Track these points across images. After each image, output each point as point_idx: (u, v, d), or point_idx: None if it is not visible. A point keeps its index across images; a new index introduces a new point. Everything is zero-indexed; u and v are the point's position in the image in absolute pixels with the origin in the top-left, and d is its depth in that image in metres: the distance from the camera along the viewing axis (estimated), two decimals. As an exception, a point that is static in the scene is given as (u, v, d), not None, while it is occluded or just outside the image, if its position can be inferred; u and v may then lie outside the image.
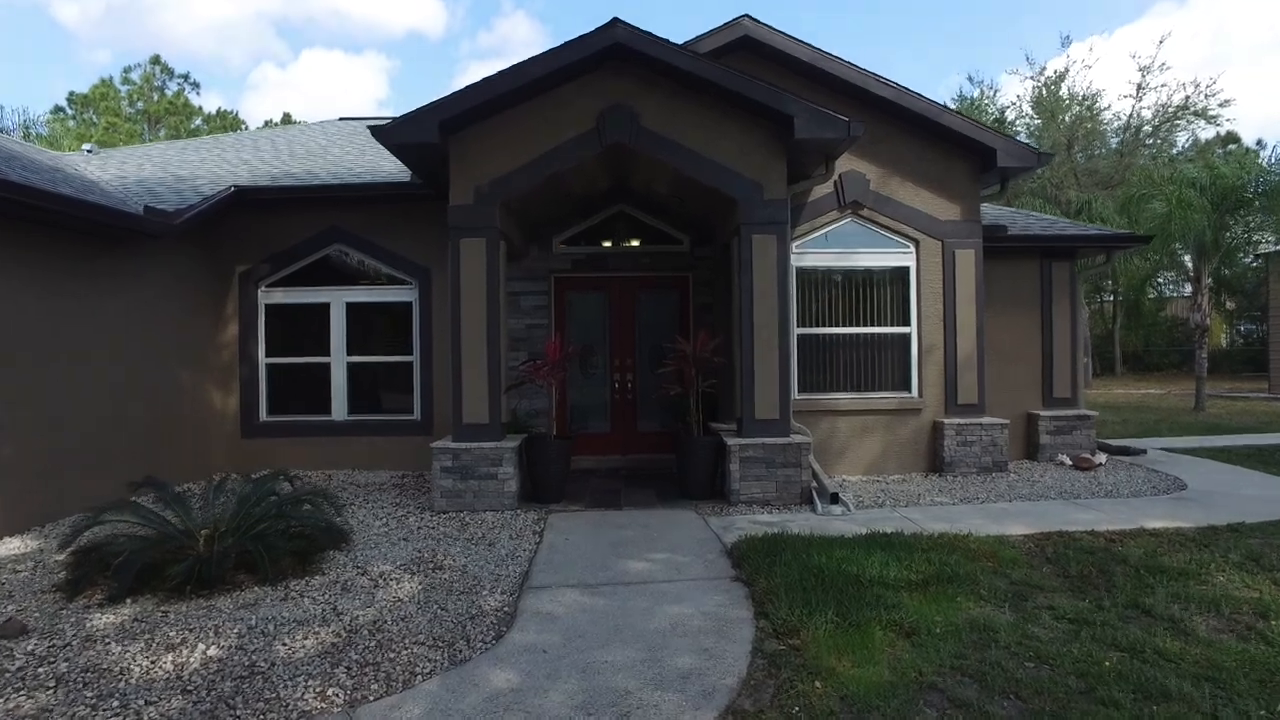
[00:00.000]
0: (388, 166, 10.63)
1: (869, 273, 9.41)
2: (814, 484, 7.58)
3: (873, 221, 9.27)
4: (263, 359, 10.07)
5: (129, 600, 4.85)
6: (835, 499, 7.24)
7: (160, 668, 3.92)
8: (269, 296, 10.09)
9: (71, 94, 43.12)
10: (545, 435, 7.95)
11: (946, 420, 9.02)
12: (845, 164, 9.03)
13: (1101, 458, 9.52)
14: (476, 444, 7.45)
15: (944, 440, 8.96)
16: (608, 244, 10.13)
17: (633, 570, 5.52)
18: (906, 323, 9.35)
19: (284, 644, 4.20)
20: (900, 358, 9.36)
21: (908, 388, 9.34)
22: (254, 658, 4.01)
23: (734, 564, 5.57)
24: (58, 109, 43.44)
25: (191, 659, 3.98)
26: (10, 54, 59.14)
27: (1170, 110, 26.68)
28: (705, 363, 7.93)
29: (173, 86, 44.75)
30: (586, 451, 10.02)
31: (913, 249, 9.31)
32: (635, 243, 10.14)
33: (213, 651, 4.08)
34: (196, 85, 46.14)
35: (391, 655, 4.05)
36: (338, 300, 10.06)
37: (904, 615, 4.32)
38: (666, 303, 10.30)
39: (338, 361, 10.05)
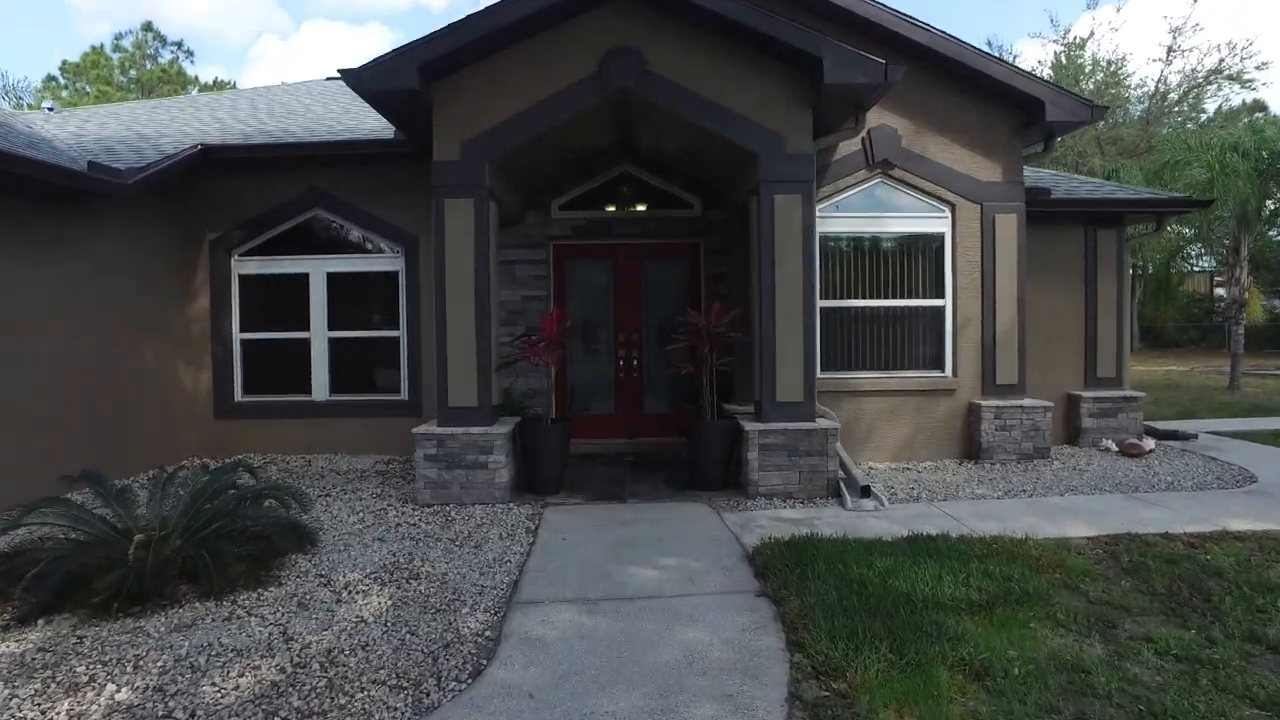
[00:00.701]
0: (371, 123, 9.75)
1: (899, 239, 8.53)
2: (842, 475, 6.78)
3: (904, 183, 8.37)
4: (237, 334, 9.27)
5: (41, 621, 4.09)
6: (867, 492, 6.45)
7: None
8: (243, 266, 9.27)
9: (64, 63, 42.02)
10: (541, 419, 7.16)
11: (983, 402, 8.20)
12: (874, 118, 8.11)
13: (1149, 443, 8.70)
14: (464, 430, 6.67)
15: (981, 424, 8.14)
16: (611, 208, 9.26)
17: (639, 580, 4.75)
18: (940, 295, 8.50)
19: (214, 683, 3.43)
20: (932, 333, 8.52)
21: (940, 366, 8.51)
22: (172, 705, 3.24)
23: (757, 573, 4.80)
24: (50, 78, 42.32)
25: (92, 709, 3.21)
26: (16, 24, 57.80)
27: (1201, 75, 25.46)
28: (720, 338, 7.10)
29: (166, 54, 43.61)
30: (589, 434, 9.24)
31: (948, 213, 8.43)
32: (641, 207, 9.27)
33: (123, 696, 3.31)
34: (190, 54, 45.20)
35: (342, 701, 3.28)
36: (318, 270, 9.24)
37: (972, 650, 3.53)
38: (675, 272, 9.45)
39: (318, 337, 9.25)
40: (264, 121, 10.19)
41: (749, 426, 6.72)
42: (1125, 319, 9.37)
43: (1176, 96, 26.39)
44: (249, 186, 9.09)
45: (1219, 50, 27.23)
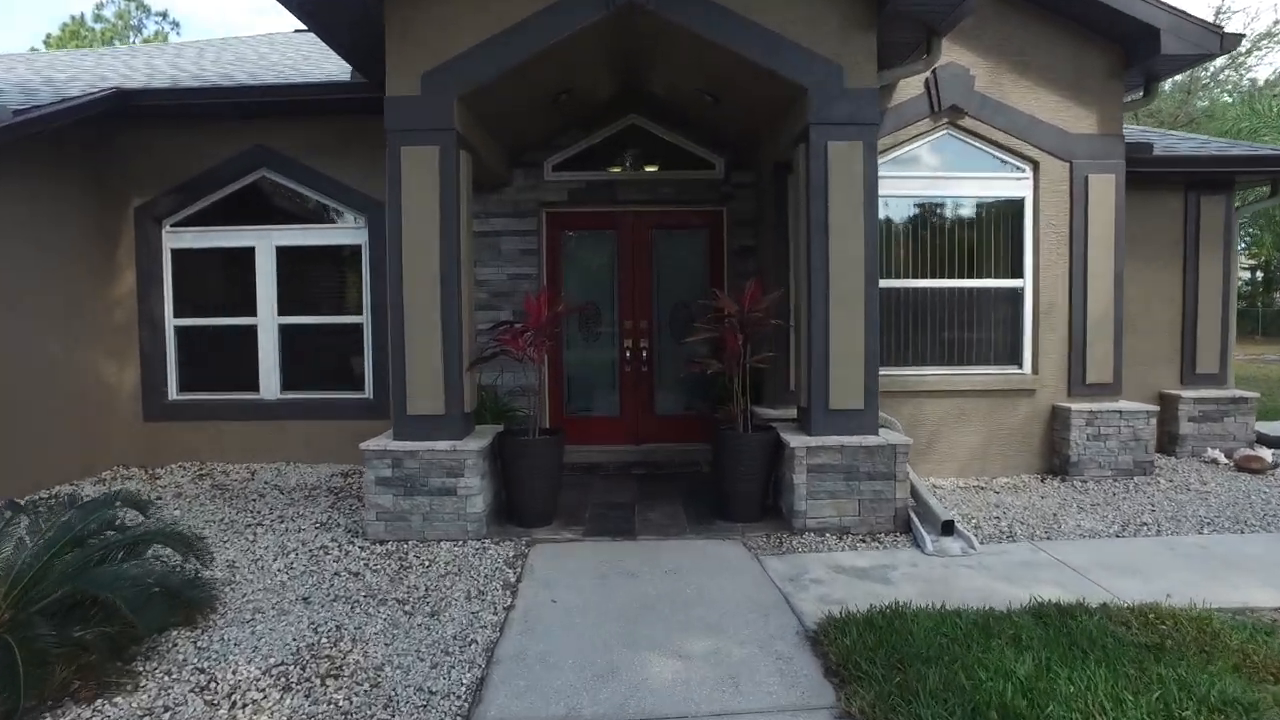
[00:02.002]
0: (331, 68, 8.19)
1: (968, 205, 6.99)
2: (912, 503, 5.29)
3: (976, 135, 6.81)
4: (170, 320, 7.77)
5: None
6: (950, 529, 4.96)
7: None
8: (176, 238, 7.76)
9: (48, 36, 40.39)
10: (526, 431, 5.64)
11: (1072, 405, 6.68)
12: (941, 54, 6.54)
13: (1266, 454, 7.18)
14: (426, 445, 5.17)
15: (1069, 432, 6.63)
16: (616, 169, 7.70)
17: (659, 679, 3.28)
18: (1017, 273, 6.96)
19: None
20: (1007, 320, 6.99)
21: (1016, 360, 6.99)
22: None
23: (829, 669, 3.32)
24: (33, 50, 40.69)
25: None
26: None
27: (1250, 40, 23.66)
28: (757, 326, 5.57)
29: (150, 26, 41.89)
30: (589, 440, 7.76)
31: (1029, 173, 6.87)
32: (652, 167, 7.71)
33: None
34: (176, 24, 43.28)
35: None
36: (266, 243, 7.72)
37: None
38: (693, 247, 7.91)
39: (267, 323, 7.75)
40: (205, 69, 8.63)
41: (794, 442, 5.22)
42: (1231, 304, 7.83)
43: (1223, 62, 24.60)
44: (182, 143, 7.56)
45: (1275, 9, 25.39)
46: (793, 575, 4.47)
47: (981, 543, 4.96)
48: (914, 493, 5.33)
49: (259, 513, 5.92)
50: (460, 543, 5.13)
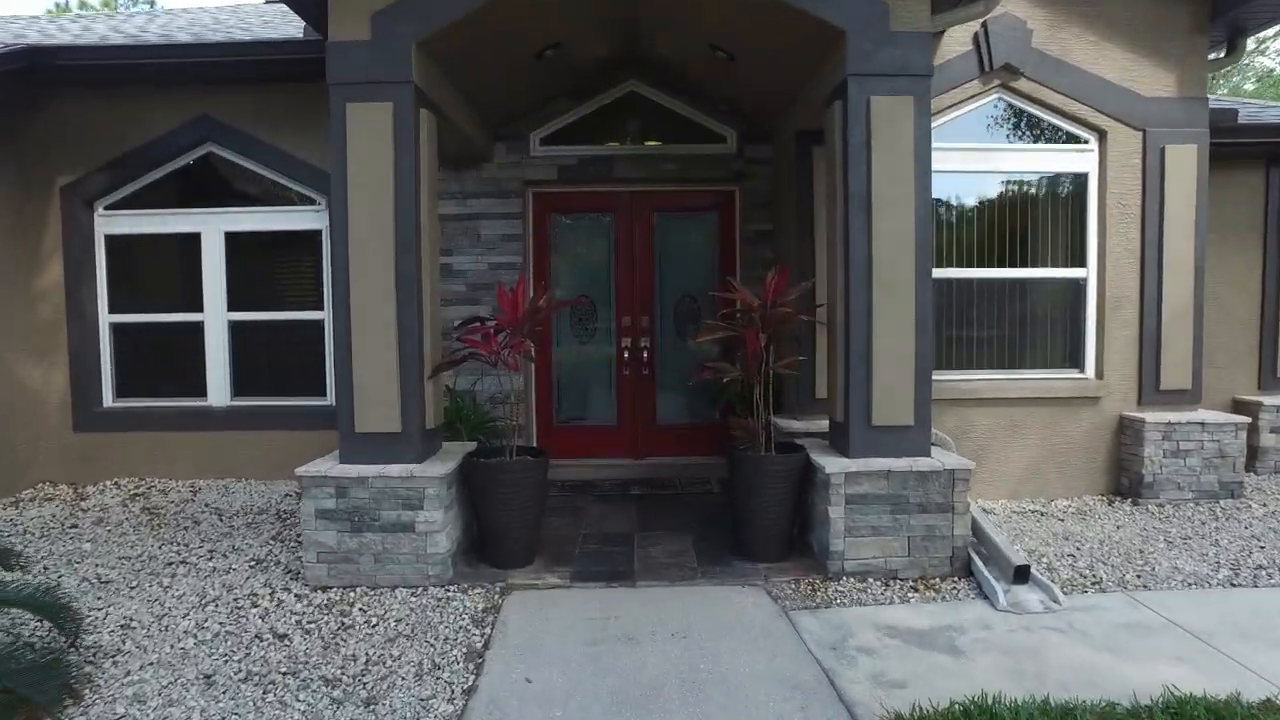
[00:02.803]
0: (289, 30, 7.22)
1: (1021, 182, 6.02)
2: (972, 540, 4.33)
3: (1033, 99, 5.82)
4: (104, 316, 6.81)
5: None
6: (1023, 576, 4.00)
7: None
8: (110, 223, 6.78)
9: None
10: (502, 451, 4.64)
11: (1145, 416, 5.71)
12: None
13: (1362, 469, 6.22)
14: (378, 470, 4.21)
15: (1142, 447, 5.66)
16: (613, 143, 6.71)
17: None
18: (1078, 261, 5.99)
19: None
20: (1066, 317, 6.03)
21: (1077, 363, 6.02)
22: None
23: (904, 808, 2.36)
24: (17, 39, 39.66)
25: None
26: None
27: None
28: (782, 324, 4.59)
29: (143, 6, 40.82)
30: (581, 452, 6.81)
31: (1094, 144, 5.89)
32: (655, 141, 6.72)
33: None
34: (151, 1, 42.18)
35: None
36: (213, 228, 6.75)
37: None
38: (701, 231, 6.94)
39: (215, 320, 6.78)
40: (145, 29, 7.64)
41: (829, 466, 4.24)
42: (1316, 296, 6.85)
43: (1250, 46, 23.53)
44: (115, 114, 6.58)
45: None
46: (834, 642, 3.51)
47: (1064, 592, 4.00)
48: (975, 528, 4.37)
49: (187, 545, 4.97)
50: (419, 590, 4.17)
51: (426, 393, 4.43)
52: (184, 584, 4.30)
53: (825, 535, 4.28)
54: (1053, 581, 4.10)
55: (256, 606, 4.00)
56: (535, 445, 6.65)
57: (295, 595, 4.14)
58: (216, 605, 4.01)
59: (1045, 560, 4.51)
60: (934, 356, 4.43)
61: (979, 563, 4.16)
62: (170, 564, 4.63)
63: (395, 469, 4.21)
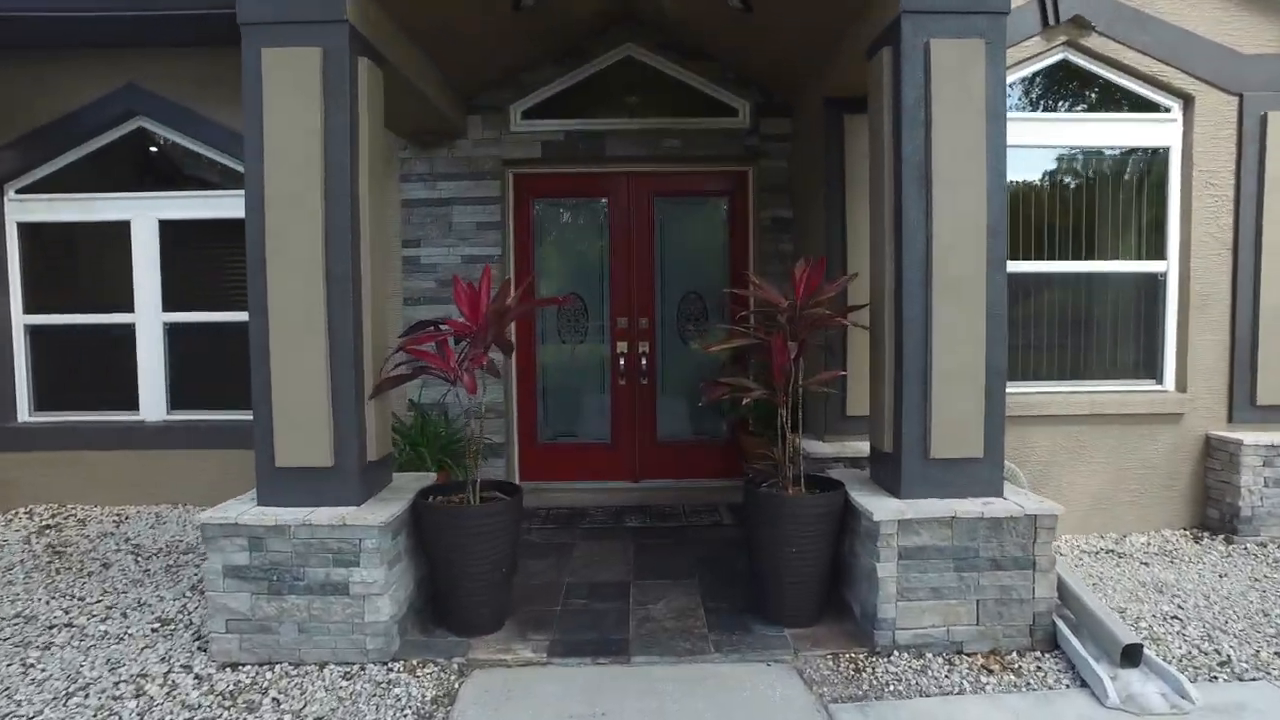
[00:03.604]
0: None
1: (1087, 159, 5.11)
2: (1056, 602, 3.42)
3: (1105, 59, 4.91)
4: (19, 317, 5.91)
5: None
6: (1135, 657, 3.08)
7: None
8: (24, 209, 5.88)
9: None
10: (462, 487, 3.69)
11: (1241, 436, 4.80)
12: (1062, -56, 4.66)
13: None
14: (304, 515, 3.29)
15: (1238, 473, 4.74)
16: (606, 117, 5.77)
17: None
18: (1155, 252, 5.09)
19: None
20: (1140, 318, 5.12)
21: (1153, 372, 5.12)
22: None
23: None
24: None
25: None
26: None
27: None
28: (817, 327, 3.67)
29: None
30: (570, 473, 5.92)
31: (1177, 112, 4.98)
32: (656, 114, 5.78)
33: None
34: None
35: None
36: (145, 216, 5.85)
37: None
38: (709, 219, 6.03)
39: (148, 321, 5.88)
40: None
41: (877, 511, 3.32)
42: None
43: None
44: (25, 81, 5.67)
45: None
46: (897, 759, 2.60)
47: (1186, 677, 3.08)
48: (1062, 588, 3.45)
49: (83, 599, 4.06)
50: (354, 670, 3.26)
51: (368, 416, 3.51)
52: (56, 660, 3.39)
53: (871, 598, 3.37)
54: (1166, 660, 3.19)
55: (140, 696, 3.09)
56: (514, 476, 5.78)
57: (196, 677, 3.23)
58: (86, 695, 3.10)
59: (1143, 624, 3.60)
60: (1007, 371, 3.50)
61: (1069, 634, 3.25)
62: (52, 627, 3.72)
63: (324, 514, 3.30)
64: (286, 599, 3.30)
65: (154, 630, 3.68)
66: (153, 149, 5.91)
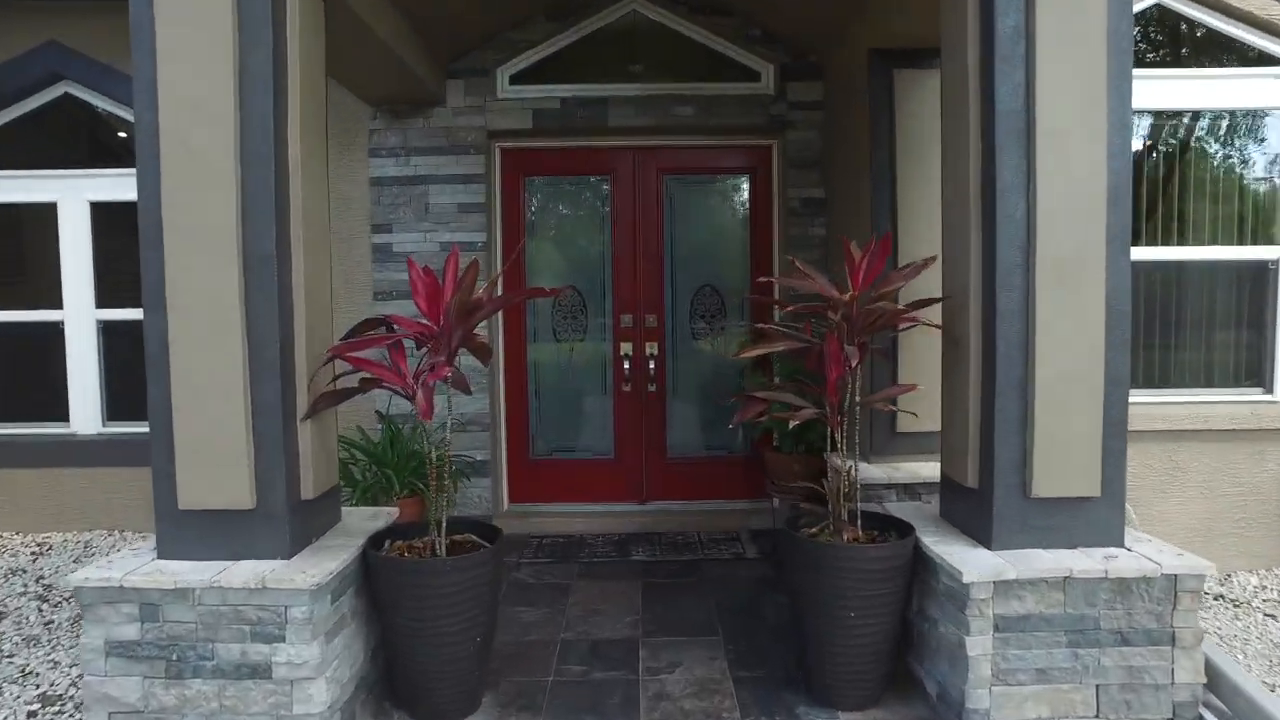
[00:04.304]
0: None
1: (1182, 124, 4.31)
2: (1203, 688, 2.61)
3: (1209, 3, 4.10)
4: (-70, 314, 5.12)
5: None
6: (1324, 773, 2.29)
7: None
8: (-65, 190, 5.09)
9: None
10: (424, 529, 2.87)
11: (1368, 455, 4.00)
12: None
13: None
14: (213, 573, 2.48)
15: (1366, 502, 3.96)
16: (609, 82, 4.97)
17: None
18: (1264, 236, 4.29)
19: None
20: (1244, 314, 4.32)
21: (1260, 380, 4.33)
22: None
23: None
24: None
25: None
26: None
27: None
28: (882, 326, 2.84)
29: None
30: (567, 494, 5.15)
31: (1290, 69, 4.19)
32: (665, 79, 4.97)
33: None
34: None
35: None
36: (74, 197, 5.05)
37: None
38: (727, 200, 5.25)
39: (80, 319, 5.09)
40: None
41: (965, 567, 2.51)
42: None
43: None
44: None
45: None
46: None
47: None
48: (1211, 671, 2.65)
49: (-36, 665, 3.27)
50: (277, 781, 2.47)
51: (302, 441, 2.72)
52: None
53: (956, 680, 2.57)
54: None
55: (-13, 821, 2.31)
56: (501, 498, 4.99)
57: (69, 788, 2.44)
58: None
59: (1294, 704, 2.80)
60: (1129, 383, 2.70)
61: (1220, 732, 2.46)
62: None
63: (241, 572, 2.51)
64: (190, 684, 2.50)
65: (30, 716, 2.88)
66: (83, 118, 5.11)
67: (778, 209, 5.05)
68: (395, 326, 2.60)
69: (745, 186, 5.14)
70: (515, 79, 4.94)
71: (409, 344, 2.74)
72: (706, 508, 5.10)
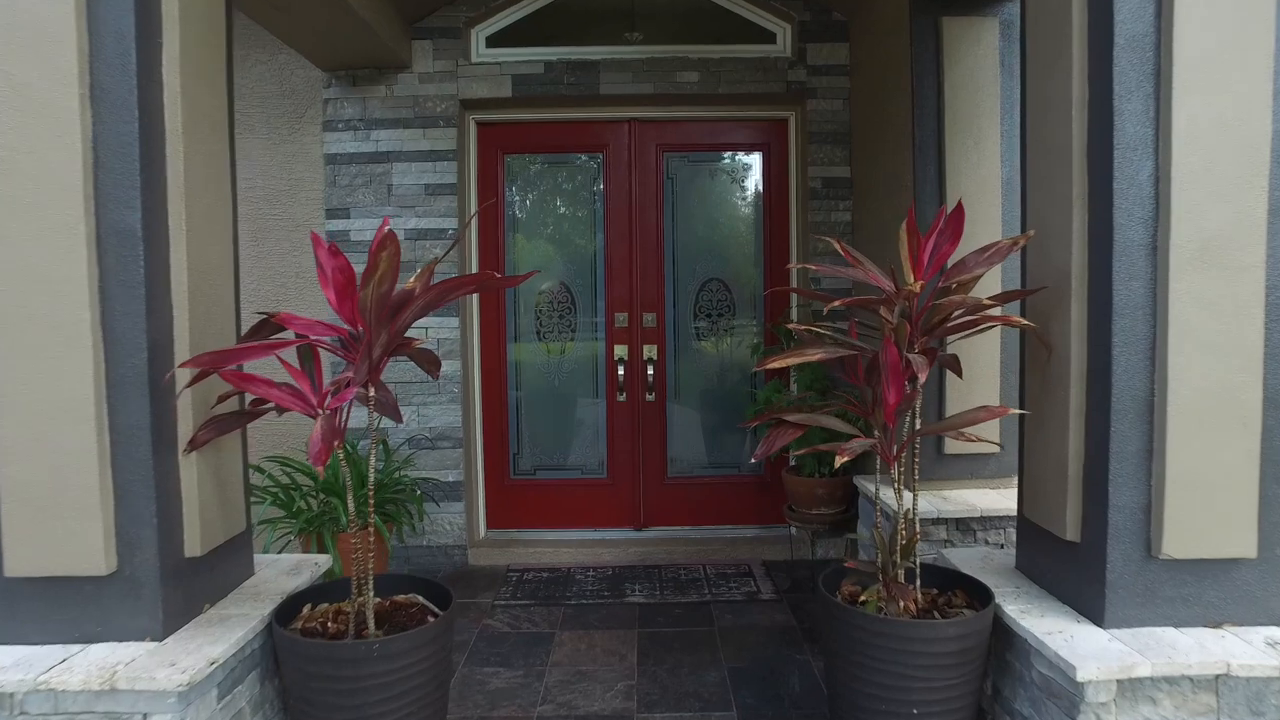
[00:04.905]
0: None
1: None
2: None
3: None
4: None
5: None
6: None
7: None
8: None
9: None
10: (361, 589, 2.23)
11: None
12: None
13: None
14: (50, 661, 1.82)
15: None
16: (601, 44, 4.29)
17: None
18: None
19: None
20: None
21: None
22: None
23: None
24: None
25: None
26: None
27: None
28: (956, 327, 2.17)
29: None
30: (552, 519, 4.48)
31: None
32: (666, 42, 4.30)
33: None
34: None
35: None
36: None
37: None
38: (736, 180, 4.56)
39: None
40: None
41: (1077, 660, 1.85)
42: None
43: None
44: None
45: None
46: None
47: None
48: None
49: None
50: None
51: (188, 479, 2.05)
52: None
53: (1061, 806, 1.90)
54: None
55: None
56: (477, 524, 4.32)
57: None
58: None
59: None
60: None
61: None
62: None
63: (86, 665, 1.83)
64: (18, 815, 1.83)
65: None
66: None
67: (796, 190, 4.38)
68: (285, 333, 1.92)
69: (758, 165, 4.47)
70: (493, 40, 4.26)
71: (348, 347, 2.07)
72: (713, 535, 4.43)
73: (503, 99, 4.24)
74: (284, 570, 2.48)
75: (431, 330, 4.20)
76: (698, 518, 4.50)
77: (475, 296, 4.40)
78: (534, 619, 3.61)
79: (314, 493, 3.59)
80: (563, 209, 4.59)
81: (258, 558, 2.55)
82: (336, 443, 1.82)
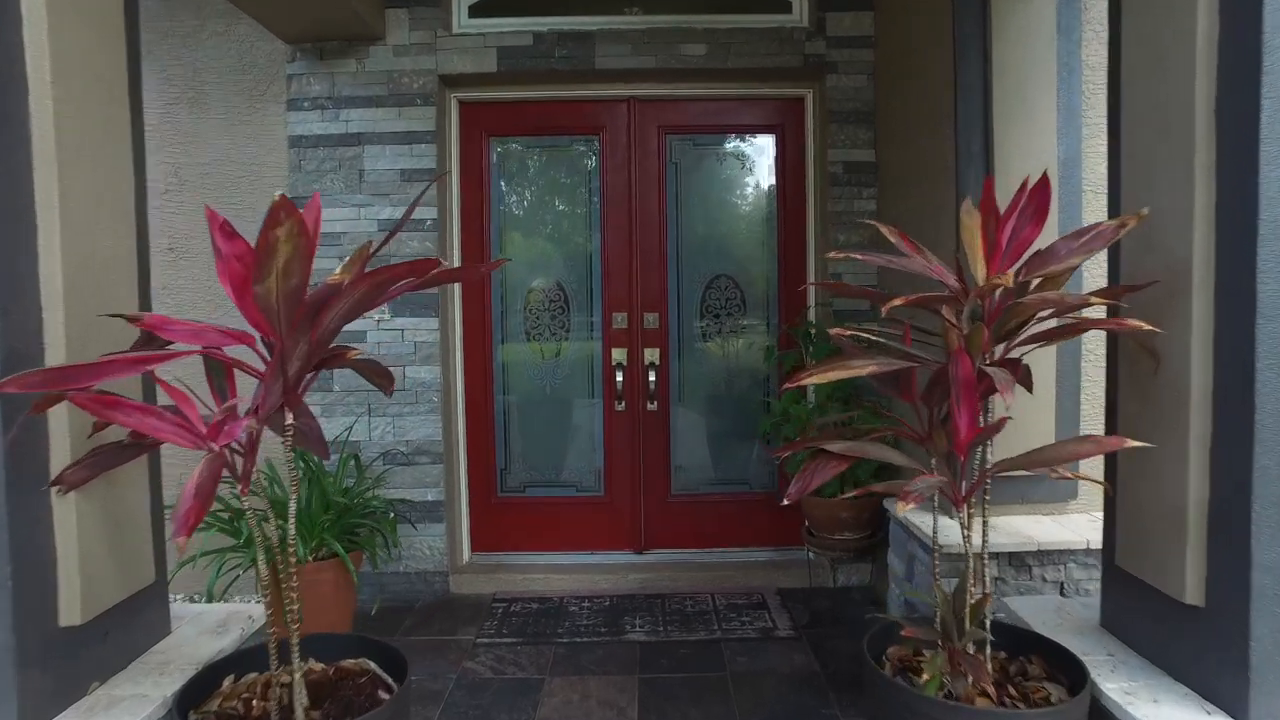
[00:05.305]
0: None
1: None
2: None
3: None
4: None
5: None
6: None
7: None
8: None
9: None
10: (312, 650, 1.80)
11: None
12: None
13: None
14: None
15: None
16: (596, 13, 3.84)
17: None
18: None
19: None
20: None
21: None
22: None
23: None
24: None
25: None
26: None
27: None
28: (1050, 336, 1.72)
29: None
30: (543, 542, 4.05)
31: None
32: (667, 13, 3.85)
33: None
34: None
35: None
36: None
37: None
38: (747, 165, 4.10)
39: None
40: None
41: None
42: None
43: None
44: None
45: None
46: None
47: None
48: None
49: None
50: None
51: (64, 526, 1.60)
52: None
53: None
54: None
55: None
56: (460, 547, 3.87)
57: None
58: None
59: None
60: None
61: None
62: None
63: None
64: None
65: None
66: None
67: (814, 176, 3.93)
68: (174, 344, 1.46)
69: (771, 148, 4.01)
70: (476, 9, 3.81)
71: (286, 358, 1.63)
72: (722, 559, 3.98)
73: (487, 74, 3.79)
74: (208, 627, 2.04)
75: (407, 332, 3.76)
76: (705, 540, 4.06)
77: (458, 294, 3.96)
78: (520, 661, 3.17)
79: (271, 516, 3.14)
80: (555, 197, 4.13)
81: (182, 609, 2.12)
82: (240, 489, 1.37)
